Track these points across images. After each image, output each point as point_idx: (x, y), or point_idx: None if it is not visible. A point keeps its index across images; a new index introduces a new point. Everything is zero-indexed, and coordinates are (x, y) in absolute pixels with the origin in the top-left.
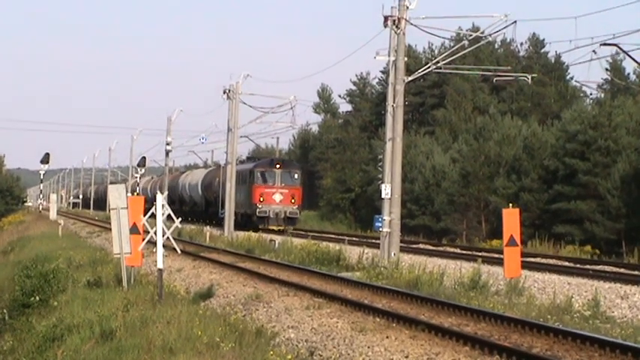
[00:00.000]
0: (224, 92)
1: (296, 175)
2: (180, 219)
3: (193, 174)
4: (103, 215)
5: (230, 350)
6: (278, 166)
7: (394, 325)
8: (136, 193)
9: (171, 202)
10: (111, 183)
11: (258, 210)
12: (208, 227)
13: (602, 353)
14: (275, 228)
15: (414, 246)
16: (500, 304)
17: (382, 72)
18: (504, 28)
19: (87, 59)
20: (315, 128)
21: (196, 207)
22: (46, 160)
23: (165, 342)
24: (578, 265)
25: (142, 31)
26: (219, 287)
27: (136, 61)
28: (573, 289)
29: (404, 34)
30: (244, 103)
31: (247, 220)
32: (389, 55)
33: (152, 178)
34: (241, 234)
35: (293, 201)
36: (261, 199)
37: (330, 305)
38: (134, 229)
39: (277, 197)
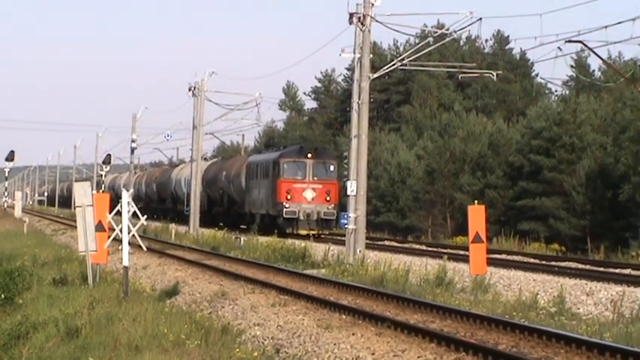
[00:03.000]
0: (189, 89)
1: (332, 167)
2: (145, 217)
3: (189, 167)
4: (68, 213)
5: (196, 348)
6: (310, 155)
7: (360, 322)
8: (101, 190)
9: (161, 200)
10: (76, 180)
11: (285, 210)
12: (181, 227)
13: (567, 350)
14: (305, 232)
15: (380, 243)
16: (466, 300)
17: (347, 69)
18: (469, 25)
19: (50, 56)
20: (280, 125)
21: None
22: (11, 157)
23: (131, 339)
24: (543, 262)
25: (106, 29)
26: (185, 285)
27: (100, 59)
28: (539, 286)
29: (369, 31)
30: (210, 101)
31: (271, 223)
32: (354, 52)
33: (135, 172)
34: (207, 231)
35: (328, 199)
36: (289, 197)
37: (295, 302)
38: (99, 227)
39: (309, 194)
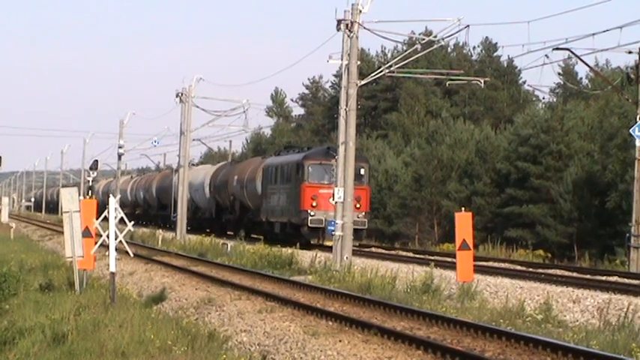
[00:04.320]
0: (177, 96)
1: (362, 170)
2: (132, 223)
3: (195, 171)
4: (55, 218)
5: (182, 354)
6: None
7: (347, 328)
8: (88, 196)
9: (161, 206)
10: (63, 186)
11: (310, 219)
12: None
13: (554, 357)
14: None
15: (367, 250)
16: (452, 308)
17: (335, 76)
18: (457, 32)
19: (37, 62)
20: (267, 132)
21: (200, 213)
22: None
23: (117, 346)
24: (530, 269)
25: (94, 34)
26: (172, 291)
27: (87, 65)
28: (525, 293)
29: (357, 37)
30: (197, 107)
31: (294, 232)
32: (342, 59)
33: (132, 177)
34: (193, 237)
35: (358, 206)
36: (314, 204)
37: (282, 309)
38: (86, 233)
39: None
